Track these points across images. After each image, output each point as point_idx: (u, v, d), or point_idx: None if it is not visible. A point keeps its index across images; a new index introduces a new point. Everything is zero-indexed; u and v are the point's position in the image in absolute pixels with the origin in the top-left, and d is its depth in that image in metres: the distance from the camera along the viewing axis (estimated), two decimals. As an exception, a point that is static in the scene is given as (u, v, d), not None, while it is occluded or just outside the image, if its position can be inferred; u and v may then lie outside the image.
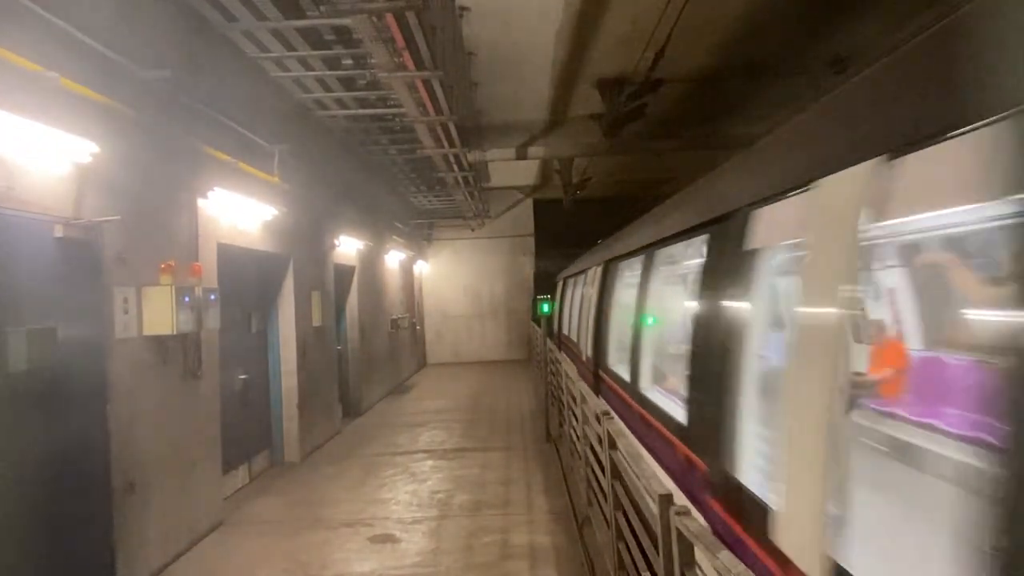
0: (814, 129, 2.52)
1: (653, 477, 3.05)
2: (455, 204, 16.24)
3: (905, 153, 1.59)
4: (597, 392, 6.71)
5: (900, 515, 2.31)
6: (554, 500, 6.57)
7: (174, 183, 5.59)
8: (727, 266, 2.99)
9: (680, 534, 2.44)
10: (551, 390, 9.63)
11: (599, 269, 7.76)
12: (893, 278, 2.94)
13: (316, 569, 5.22)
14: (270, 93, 7.56)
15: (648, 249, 5.03)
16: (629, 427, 4.92)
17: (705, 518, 2.88)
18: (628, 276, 6.39)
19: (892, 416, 2.65)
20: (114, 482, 4.65)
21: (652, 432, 4.33)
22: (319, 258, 9.68)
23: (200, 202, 5.96)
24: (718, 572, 2.04)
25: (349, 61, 7.12)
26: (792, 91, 8.99)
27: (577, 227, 18.27)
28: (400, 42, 5.67)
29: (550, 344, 10.65)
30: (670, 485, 3.31)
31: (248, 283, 7.63)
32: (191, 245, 5.82)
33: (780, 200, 2.47)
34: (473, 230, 19.82)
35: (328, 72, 7.36)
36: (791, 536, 2.01)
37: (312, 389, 8.93)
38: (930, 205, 1.68)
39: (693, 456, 3.27)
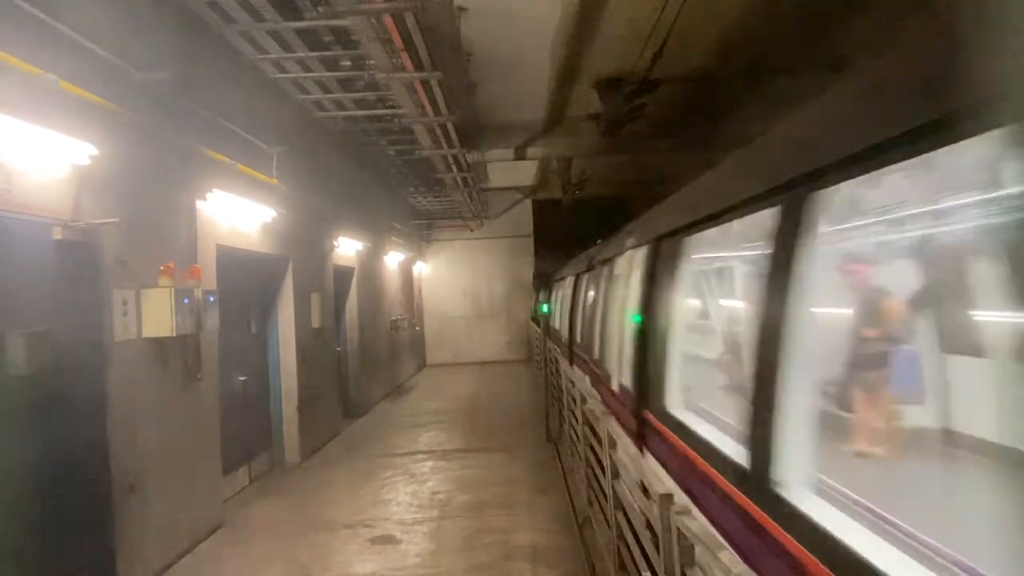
0: None
1: (653, 477, 3.05)
2: (454, 205, 16.25)
3: None
4: (641, 447, 4.38)
5: None
6: (554, 500, 6.57)
7: (173, 185, 5.59)
8: None
9: (680, 534, 2.44)
10: (551, 390, 9.63)
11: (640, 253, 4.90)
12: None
13: (317, 571, 5.21)
14: (269, 95, 7.56)
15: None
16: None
17: None
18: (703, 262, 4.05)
19: None
20: (114, 484, 4.65)
21: None
22: (318, 259, 9.68)
23: (199, 204, 5.96)
24: (719, 572, 2.04)
25: (348, 62, 7.12)
26: (791, 91, 8.98)
27: (576, 227, 18.28)
28: (398, 43, 5.68)
29: (549, 344, 10.64)
30: None
31: (247, 285, 7.63)
32: (190, 247, 5.82)
33: None
34: (472, 231, 19.82)
35: (326, 73, 7.35)
36: None
37: (312, 390, 8.92)
38: None
39: None
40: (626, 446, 4.30)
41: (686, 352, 4.00)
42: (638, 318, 4.62)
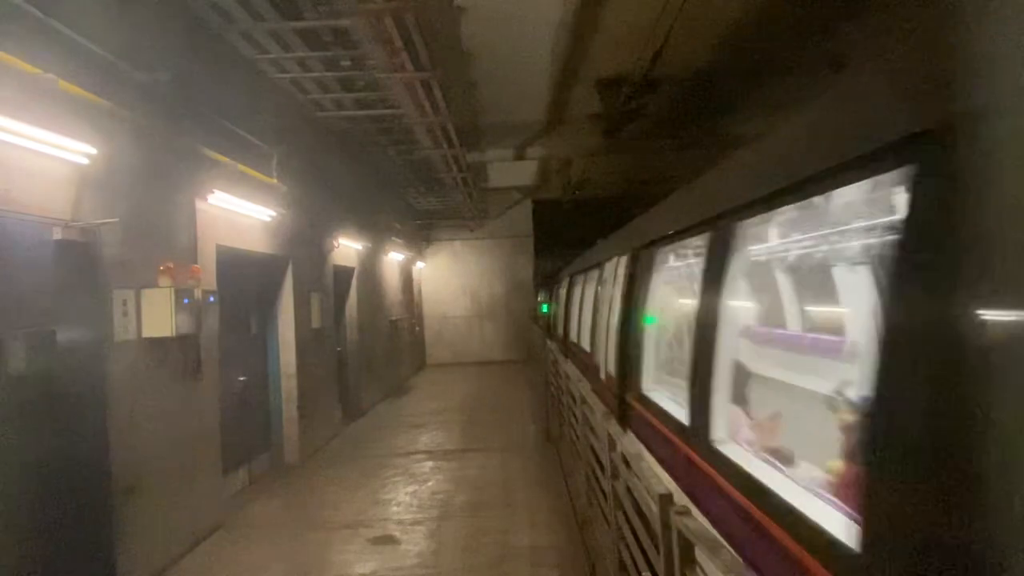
0: None
1: (653, 477, 3.05)
2: (454, 205, 16.26)
3: None
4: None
5: None
6: (554, 500, 6.57)
7: (173, 185, 5.59)
8: None
9: (680, 534, 2.44)
10: (551, 390, 9.63)
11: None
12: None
13: (316, 571, 5.21)
14: (268, 94, 7.56)
15: None
16: None
17: None
18: None
19: None
20: (114, 485, 4.65)
21: None
22: (318, 260, 9.68)
23: (199, 204, 5.96)
24: (718, 572, 2.04)
25: (348, 62, 7.12)
26: (791, 90, 8.99)
27: (576, 227, 18.28)
28: (398, 43, 5.68)
29: (550, 344, 10.65)
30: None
31: (247, 285, 7.63)
32: (190, 247, 5.82)
33: None
34: (472, 231, 19.82)
35: (326, 73, 7.35)
36: None
37: (312, 391, 8.92)
38: None
39: None
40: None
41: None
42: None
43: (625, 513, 3.77)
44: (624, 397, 5.28)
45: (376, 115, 9.04)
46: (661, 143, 11.72)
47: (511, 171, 15.02)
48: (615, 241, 6.85)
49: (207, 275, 5.98)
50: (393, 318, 14.94)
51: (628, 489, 3.73)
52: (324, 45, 6.67)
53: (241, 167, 6.52)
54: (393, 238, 14.84)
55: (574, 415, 6.49)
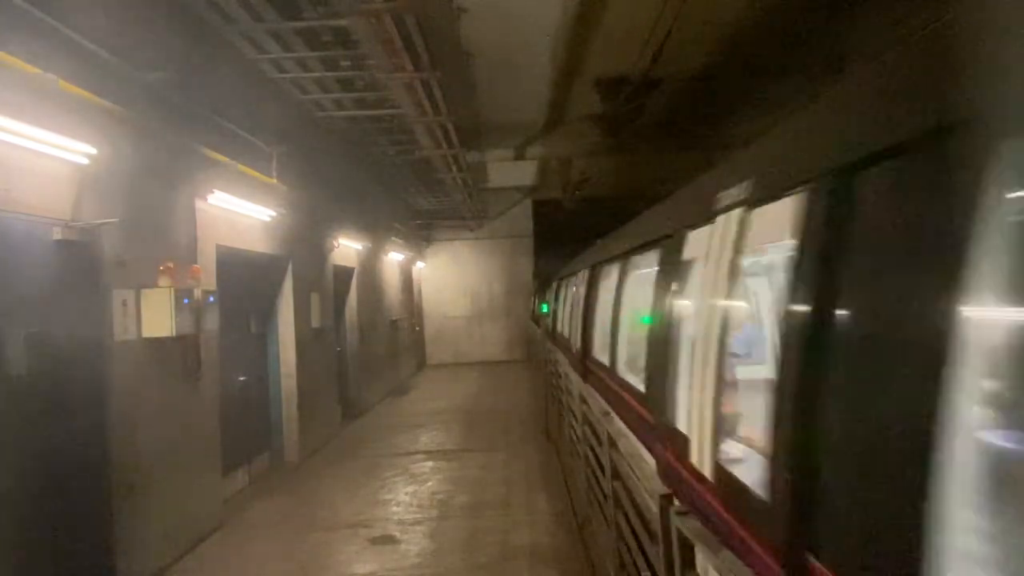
0: None
1: (653, 477, 3.05)
2: (454, 205, 16.26)
3: None
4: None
5: None
6: (554, 500, 6.57)
7: (173, 185, 5.59)
8: None
9: (680, 534, 2.44)
10: (551, 390, 9.63)
11: None
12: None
13: (316, 571, 5.21)
14: (268, 95, 7.55)
15: None
16: None
17: None
18: None
19: None
20: (113, 484, 4.65)
21: None
22: (318, 259, 9.68)
23: (199, 204, 5.96)
24: (718, 572, 2.04)
25: (347, 62, 7.12)
26: (791, 90, 8.99)
27: (577, 227, 18.26)
28: (398, 43, 5.68)
29: (549, 344, 10.65)
30: None
31: (247, 285, 7.62)
32: (190, 247, 5.82)
33: None
34: (472, 231, 19.82)
35: (326, 73, 7.35)
36: None
37: (311, 390, 8.92)
38: None
39: None
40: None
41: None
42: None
43: (625, 513, 3.77)
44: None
45: (376, 115, 9.03)
46: (661, 143, 11.73)
47: (511, 171, 15.02)
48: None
49: (207, 275, 5.98)
50: (393, 318, 14.94)
51: (628, 489, 3.73)
52: (324, 45, 6.67)
53: (241, 167, 6.52)
54: (393, 238, 14.84)
55: (574, 415, 6.49)
